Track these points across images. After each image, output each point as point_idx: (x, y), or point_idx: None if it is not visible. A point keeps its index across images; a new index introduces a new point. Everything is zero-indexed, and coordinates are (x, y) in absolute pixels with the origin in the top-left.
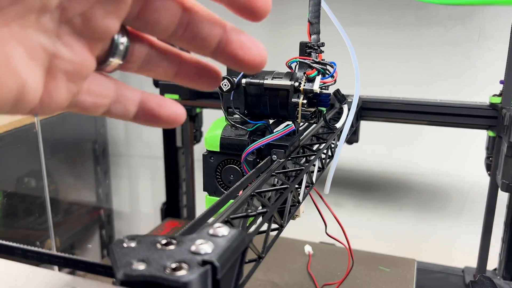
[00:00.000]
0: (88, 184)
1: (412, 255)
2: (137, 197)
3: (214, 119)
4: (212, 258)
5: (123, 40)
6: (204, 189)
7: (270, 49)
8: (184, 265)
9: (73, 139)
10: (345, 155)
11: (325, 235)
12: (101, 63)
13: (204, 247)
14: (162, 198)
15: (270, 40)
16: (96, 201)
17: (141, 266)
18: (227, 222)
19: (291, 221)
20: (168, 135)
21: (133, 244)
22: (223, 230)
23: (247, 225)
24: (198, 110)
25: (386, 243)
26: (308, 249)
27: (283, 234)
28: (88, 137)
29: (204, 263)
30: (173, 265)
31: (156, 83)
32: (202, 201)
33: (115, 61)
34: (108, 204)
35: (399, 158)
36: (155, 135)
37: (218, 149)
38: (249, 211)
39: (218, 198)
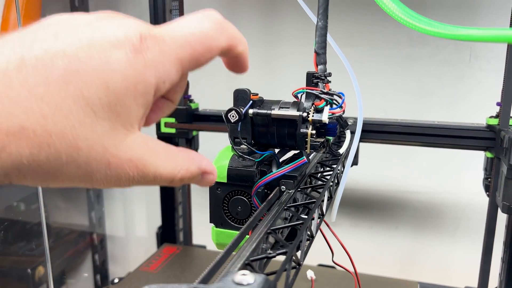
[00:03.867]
0: (80, 208)
1: (409, 274)
2: (132, 221)
3: (210, 142)
4: None
5: None
6: (211, 221)
7: (263, 70)
8: None
9: None
10: None
11: (322, 257)
12: None
13: None
14: (158, 222)
15: (263, 61)
16: (88, 225)
17: None
18: (248, 265)
19: None
20: None
21: None
22: (248, 278)
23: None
24: (194, 133)
25: (383, 263)
26: (310, 274)
27: None
28: None
29: None
30: None
31: None
32: (199, 225)
33: None
34: (101, 228)
35: (394, 176)
36: None
37: (225, 180)
38: (268, 251)
39: (225, 230)
